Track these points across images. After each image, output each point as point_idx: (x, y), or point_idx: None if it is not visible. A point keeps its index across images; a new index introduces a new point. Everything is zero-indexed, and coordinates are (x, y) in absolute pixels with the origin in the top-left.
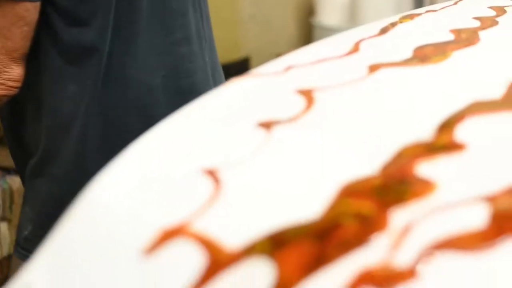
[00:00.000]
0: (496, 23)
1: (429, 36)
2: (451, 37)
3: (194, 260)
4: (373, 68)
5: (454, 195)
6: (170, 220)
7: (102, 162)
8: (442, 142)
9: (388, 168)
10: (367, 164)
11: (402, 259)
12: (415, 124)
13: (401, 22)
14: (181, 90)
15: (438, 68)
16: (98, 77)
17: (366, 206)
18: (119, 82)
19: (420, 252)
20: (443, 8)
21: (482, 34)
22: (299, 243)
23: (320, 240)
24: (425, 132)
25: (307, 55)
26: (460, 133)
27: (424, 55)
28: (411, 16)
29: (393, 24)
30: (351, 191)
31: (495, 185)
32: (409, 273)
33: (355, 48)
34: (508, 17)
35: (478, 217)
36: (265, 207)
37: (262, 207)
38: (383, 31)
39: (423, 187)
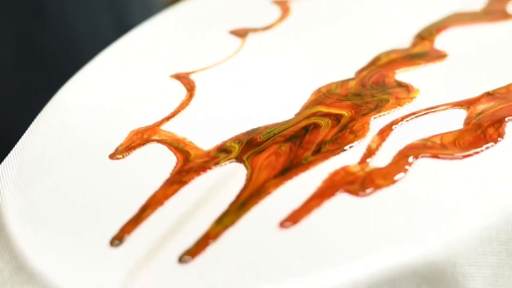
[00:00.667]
0: None
1: None
2: None
3: (166, 161)
4: None
5: (433, 100)
6: (142, 123)
7: (41, 101)
8: (422, 50)
9: (365, 74)
10: (344, 70)
11: (380, 163)
12: (394, 34)
13: None
14: (123, 29)
15: None
16: (34, 19)
17: (342, 110)
18: (57, 24)
19: (398, 156)
20: None
21: None
22: (271, 145)
23: (293, 143)
24: (404, 40)
25: None
26: (440, 42)
27: None
28: None
29: None
30: (326, 96)
31: (474, 92)
32: (387, 177)
33: None
34: None
35: (457, 122)
36: (238, 111)
37: (234, 111)
38: None
39: (401, 92)
